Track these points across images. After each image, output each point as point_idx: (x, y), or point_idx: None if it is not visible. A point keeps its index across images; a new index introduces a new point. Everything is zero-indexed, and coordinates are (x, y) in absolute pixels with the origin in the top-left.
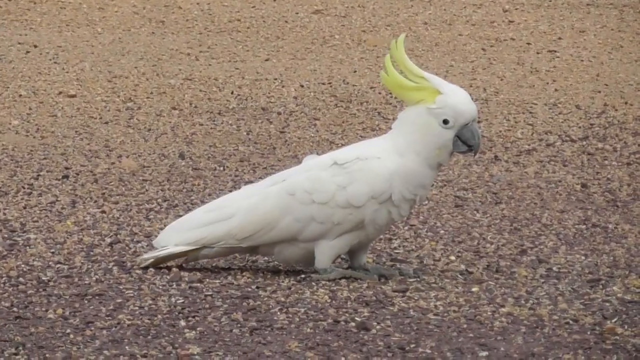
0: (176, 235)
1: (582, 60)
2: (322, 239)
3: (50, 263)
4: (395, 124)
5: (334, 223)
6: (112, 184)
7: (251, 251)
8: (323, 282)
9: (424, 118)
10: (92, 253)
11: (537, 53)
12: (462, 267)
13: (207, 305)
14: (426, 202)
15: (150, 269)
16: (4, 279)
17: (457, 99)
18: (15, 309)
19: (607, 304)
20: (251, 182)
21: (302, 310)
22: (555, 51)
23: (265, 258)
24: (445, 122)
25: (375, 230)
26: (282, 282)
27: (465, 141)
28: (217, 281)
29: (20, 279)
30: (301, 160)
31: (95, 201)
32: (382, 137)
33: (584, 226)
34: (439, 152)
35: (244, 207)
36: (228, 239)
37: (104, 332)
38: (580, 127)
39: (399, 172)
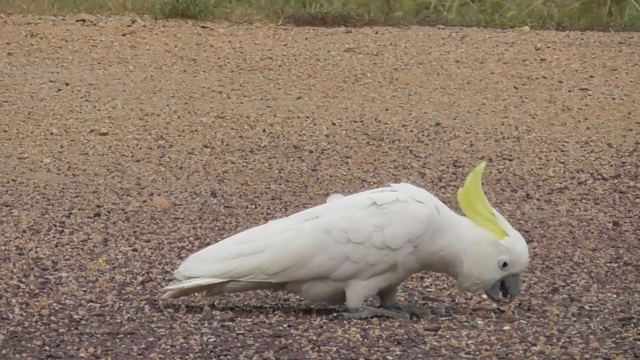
0: (202, 266)
1: (613, 99)
2: (354, 279)
3: (82, 301)
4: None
5: (368, 263)
6: (143, 222)
7: (278, 287)
8: (355, 321)
9: (485, 248)
10: (123, 291)
11: (569, 91)
12: (494, 305)
13: (238, 344)
14: None
15: (182, 307)
16: (35, 317)
17: (522, 248)
18: (47, 347)
19: (639, 342)
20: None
21: (334, 348)
22: (587, 89)
23: (297, 297)
24: (505, 265)
25: (405, 273)
26: (314, 320)
27: (506, 288)
28: (249, 320)
29: (52, 318)
30: None
31: (127, 239)
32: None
33: (615, 264)
34: (478, 283)
35: (276, 242)
36: (258, 273)
37: None
38: (612, 166)
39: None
